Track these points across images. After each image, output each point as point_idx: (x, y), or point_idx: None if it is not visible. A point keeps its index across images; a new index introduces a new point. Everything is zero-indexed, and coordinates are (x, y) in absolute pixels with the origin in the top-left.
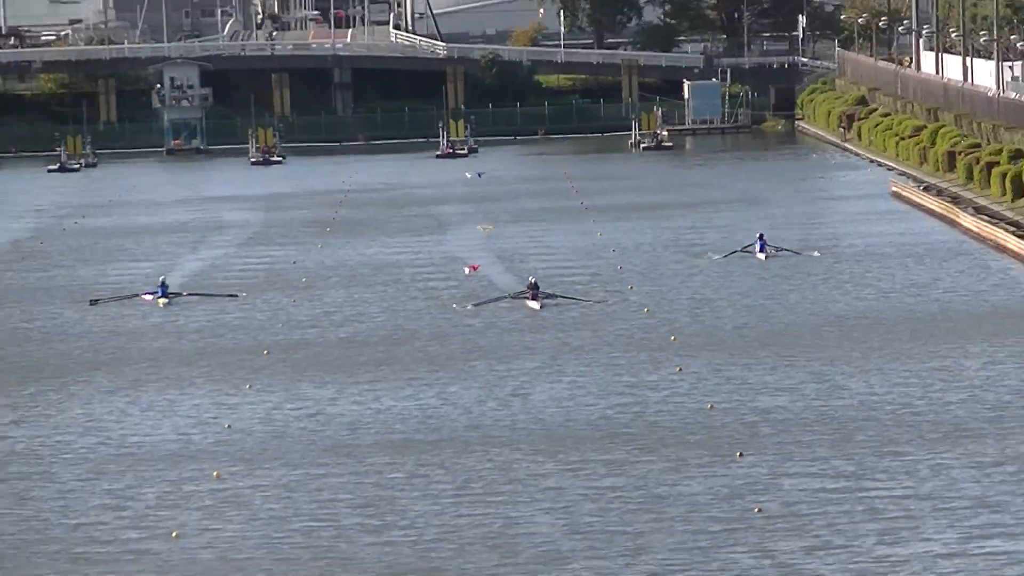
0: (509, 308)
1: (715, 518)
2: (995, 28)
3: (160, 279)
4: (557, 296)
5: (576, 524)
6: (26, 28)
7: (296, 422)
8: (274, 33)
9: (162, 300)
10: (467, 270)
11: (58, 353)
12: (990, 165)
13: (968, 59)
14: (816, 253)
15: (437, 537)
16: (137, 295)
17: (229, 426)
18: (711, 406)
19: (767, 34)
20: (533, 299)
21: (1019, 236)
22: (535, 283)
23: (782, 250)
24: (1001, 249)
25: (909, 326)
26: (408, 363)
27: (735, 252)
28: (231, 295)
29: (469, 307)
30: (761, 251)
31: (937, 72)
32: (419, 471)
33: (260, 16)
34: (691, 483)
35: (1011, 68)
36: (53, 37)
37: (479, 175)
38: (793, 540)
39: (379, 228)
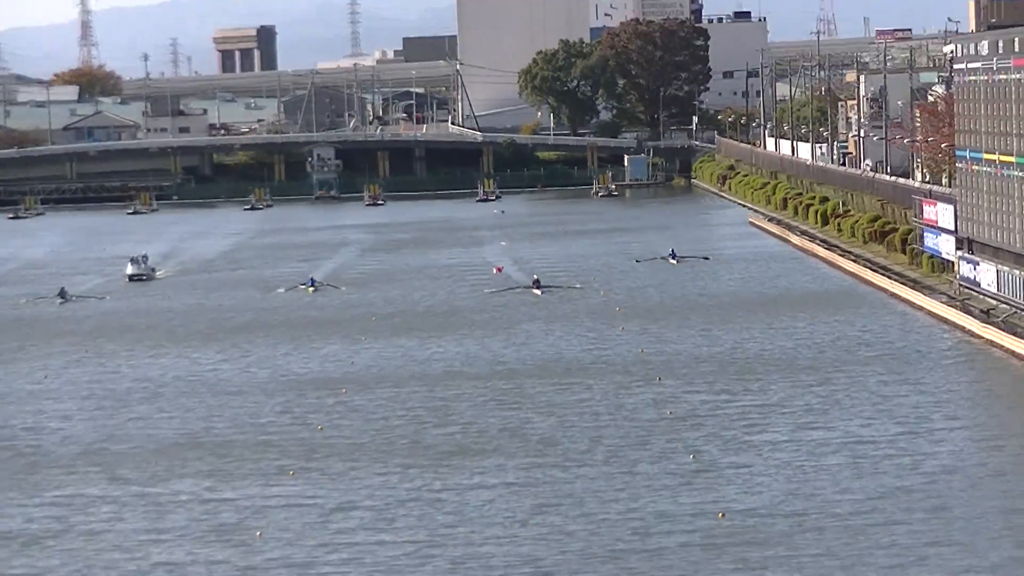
0: (521, 293)
1: (645, 418)
2: (810, 123)
3: (310, 277)
4: (551, 287)
5: (562, 421)
6: (231, 123)
7: (392, 360)
8: (380, 127)
9: (311, 288)
10: (494, 270)
11: (261, 318)
12: (808, 206)
13: (794, 142)
14: (708, 258)
15: (476, 429)
16: (296, 287)
17: (353, 363)
18: (641, 350)
19: (674, 127)
20: (537, 288)
21: (826, 248)
22: (537, 279)
23: (686, 257)
24: (814, 256)
25: (761, 301)
26: (458, 326)
27: (656, 258)
28: (335, 286)
29: (488, 291)
30: (673, 258)
31: (776, 150)
32: (464, 390)
33: (371, 116)
34: (631, 397)
35: (819, 147)
36: (247, 129)
37: (502, 212)
38: (692, 432)
39: (440, 244)
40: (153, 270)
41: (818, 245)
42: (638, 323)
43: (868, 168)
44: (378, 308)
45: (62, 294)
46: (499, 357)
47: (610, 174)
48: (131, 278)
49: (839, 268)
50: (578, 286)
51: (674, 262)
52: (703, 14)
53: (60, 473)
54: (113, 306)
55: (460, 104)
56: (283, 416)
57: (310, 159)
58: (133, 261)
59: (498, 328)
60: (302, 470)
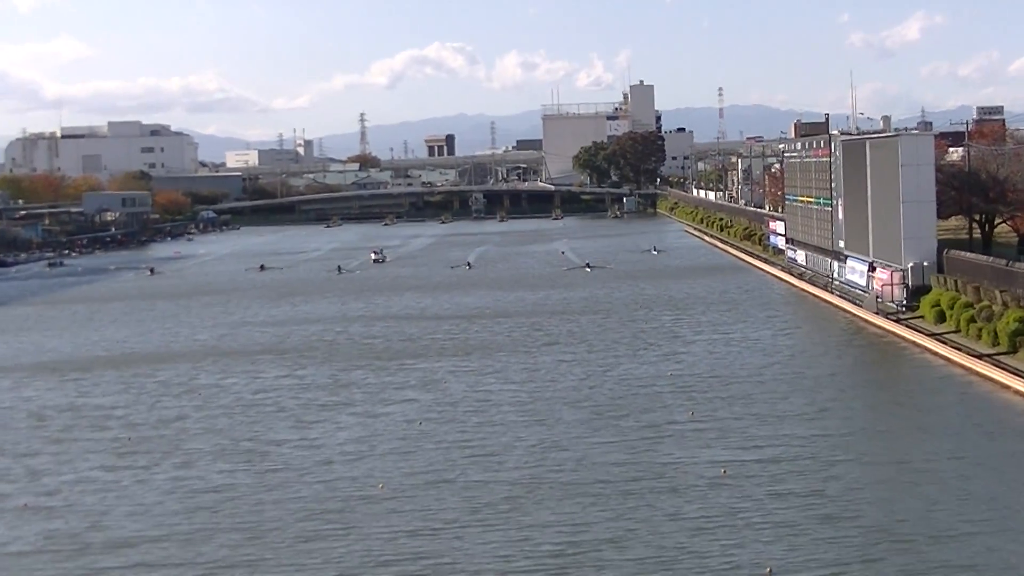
0: (578, 270)
1: (633, 335)
2: (714, 181)
3: (466, 260)
4: (596, 266)
5: (602, 326)
6: (432, 181)
7: (508, 303)
8: (504, 183)
9: (467, 267)
10: (560, 252)
11: (446, 280)
12: (713, 222)
13: (705, 191)
14: (665, 251)
15: (554, 333)
16: (458, 265)
17: (489, 306)
18: (636, 300)
19: (648, 183)
20: (588, 268)
21: (722, 243)
22: (588, 263)
23: (660, 251)
24: (716, 247)
25: (693, 269)
26: (539, 287)
27: (646, 251)
28: (470, 265)
29: (564, 269)
30: (655, 251)
31: (697, 195)
32: (536, 326)
33: (500, 178)
34: (623, 328)
35: (720, 193)
36: (440, 184)
37: (564, 225)
38: (655, 334)
39: (534, 241)
40: (385, 257)
41: (718, 241)
42: (641, 283)
43: (742, 203)
44: (500, 275)
45: (339, 269)
46: (562, 303)
47: (616, 206)
48: (374, 261)
49: (729, 253)
50: (609, 266)
51: (656, 253)
52: (662, 129)
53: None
54: (365, 275)
55: (544, 172)
56: (471, 322)
57: (471, 199)
58: (374, 251)
59: (562, 287)
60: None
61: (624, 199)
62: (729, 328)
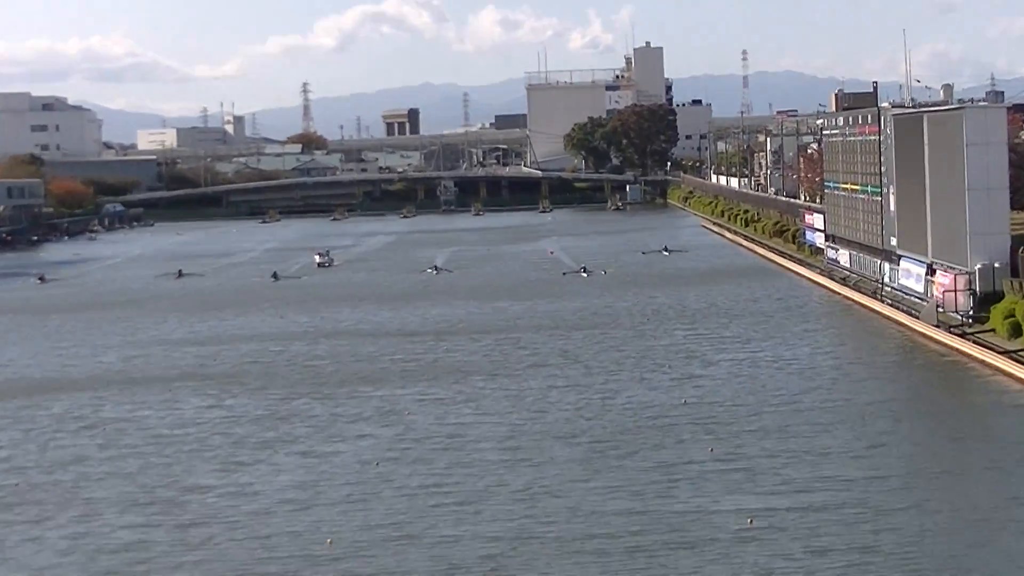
0: (572, 275)
1: (640, 354)
2: (737, 166)
3: (433, 264)
4: (593, 271)
5: (601, 344)
6: (392, 166)
7: (483, 315)
8: (480, 168)
9: (434, 272)
10: (548, 252)
11: (409, 290)
12: (736, 215)
13: (727, 177)
14: (678, 252)
15: (539, 351)
16: (424, 270)
17: (462, 319)
18: (644, 312)
19: (656, 168)
20: (583, 272)
21: (750, 242)
22: (584, 266)
23: (673, 251)
24: (740, 245)
25: (712, 273)
26: (524, 296)
27: (655, 251)
28: (448, 270)
29: (555, 274)
30: (666, 251)
31: (716, 182)
32: (520, 344)
33: (476, 162)
34: (627, 346)
35: (743, 180)
36: (401, 169)
37: (552, 219)
38: (670, 353)
39: (516, 238)
40: (332, 260)
41: (743, 239)
42: (638, 289)
43: (772, 192)
44: (475, 282)
45: (275, 276)
46: (554, 314)
47: (618, 196)
48: (319, 265)
49: (755, 252)
50: (609, 270)
51: (667, 254)
52: (673, 101)
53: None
54: (309, 282)
55: (529, 154)
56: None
57: (439, 187)
58: (319, 253)
59: (557, 292)
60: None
61: (627, 187)
62: (758, 345)
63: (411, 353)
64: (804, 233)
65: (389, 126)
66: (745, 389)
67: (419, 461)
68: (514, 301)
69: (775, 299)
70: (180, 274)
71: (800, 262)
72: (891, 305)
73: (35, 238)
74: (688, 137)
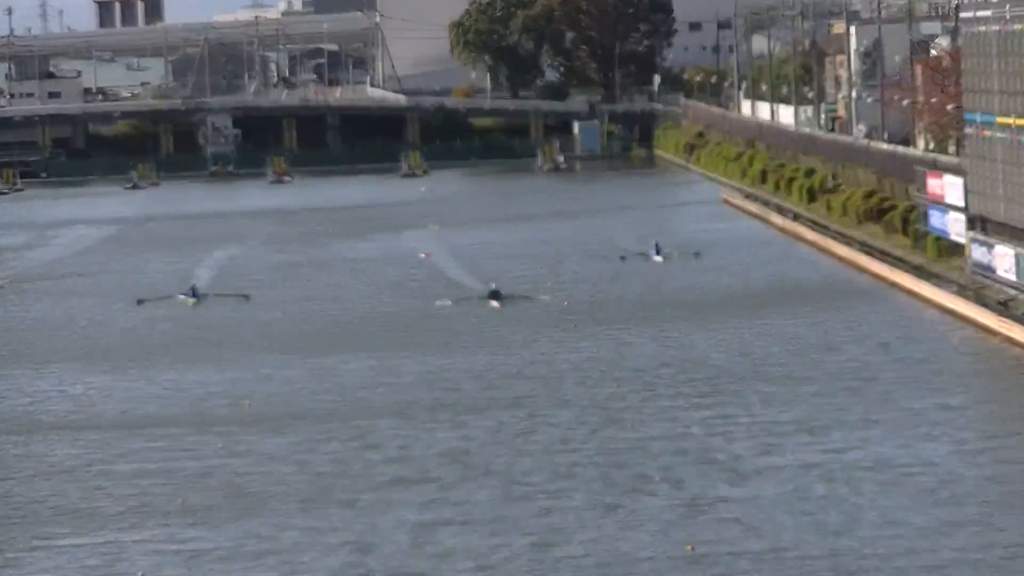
0: (471, 303)
1: (610, 461)
2: (792, 83)
3: (191, 285)
4: (514, 296)
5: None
6: (110, 88)
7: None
8: (285, 91)
9: (191, 301)
10: (422, 255)
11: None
12: (791, 179)
13: (774, 105)
14: (678, 253)
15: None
16: (172, 296)
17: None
18: (615, 371)
19: (632, 89)
20: (494, 300)
21: (814, 230)
22: (494, 288)
23: (668, 253)
24: (800, 240)
25: (746, 294)
26: (373, 344)
27: (633, 255)
28: (226, 295)
29: (439, 302)
30: (656, 254)
31: (752, 114)
32: (366, 441)
33: (276, 79)
34: (584, 444)
35: (804, 111)
36: (129, 94)
37: (430, 191)
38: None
39: (360, 231)
40: None
41: (804, 227)
42: (604, 329)
43: (861, 135)
44: (283, 317)
45: None
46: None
47: (557, 144)
48: None
49: (830, 254)
50: (545, 296)
51: (657, 258)
52: None
53: None
54: None
55: (380, 63)
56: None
57: (203, 129)
58: None
59: (447, 342)
60: None
61: (575, 127)
62: (840, 438)
63: (136, 468)
64: (925, 215)
65: (103, 8)
66: (815, 527)
67: None
68: (358, 353)
69: (872, 344)
70: None
71: (919, 271)
72: None
73: None
74: (695, 27)
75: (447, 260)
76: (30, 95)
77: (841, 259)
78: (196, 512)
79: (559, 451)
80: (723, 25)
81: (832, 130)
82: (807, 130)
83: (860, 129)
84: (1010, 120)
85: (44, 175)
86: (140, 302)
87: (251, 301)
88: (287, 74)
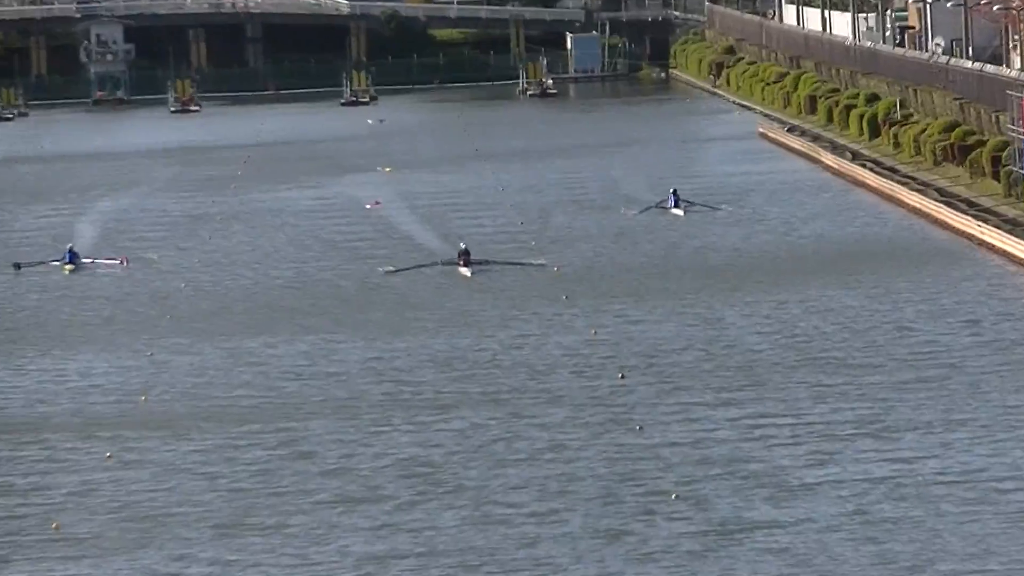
0: (434, 270)
1: (620, 476)
2: None
3: (68, 247)
4: (492, 262)
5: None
6: None
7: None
8: None
9: (67, 267)
10: (368, 205)
11: None
12: (848, 107)
13: (826, 11)
14: (705, 205)
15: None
16: (44, 262)
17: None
18: (594, 332)
19: None
20: (463, 265)
21: (877, 173)
22: (465, 250)
23: (690, 204)
24: (860, 185)
25: (791, 255)
26: (317, 324)
27: (648, 207)
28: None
29: (393, 269)
30: (674, 204)
31: (798, 23)
32: (330, 403)
33: None
34: (586, 448)
35: (865, 19)
36: None
37: (380, 121)
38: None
39: (287, 174)
40: None
41: (865, 169)
42: (607, 302)
43: (939, 50)
44: (192, 288)
45: None
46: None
47: (545, 62)
48: None
49: (898, 203)
50: (539, 261)
51: (676, 211)
52: None
53: None
54: None
55: None
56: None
57: (86, 43)
58: None
59: (407, 323)
60: None
61: (569, 38)
62: (918, 443)
63: (15, 473)
64: (1022, 152)
65: None
66: (882, 560)
67: None
68: (286, 334)
69: (954, 321)
70: None
71: (1014, 226)
72: None
73: None
74: None
75: (401, 212)
76: None
77: (913, 210)
78: (75, 541)
79: (548, 461)
80: None
81: (901, 44)
82: (868, 44)
83: (938, 43)
84: None
85: None
86: (17, 267)
87: (150, 266)
88: None
